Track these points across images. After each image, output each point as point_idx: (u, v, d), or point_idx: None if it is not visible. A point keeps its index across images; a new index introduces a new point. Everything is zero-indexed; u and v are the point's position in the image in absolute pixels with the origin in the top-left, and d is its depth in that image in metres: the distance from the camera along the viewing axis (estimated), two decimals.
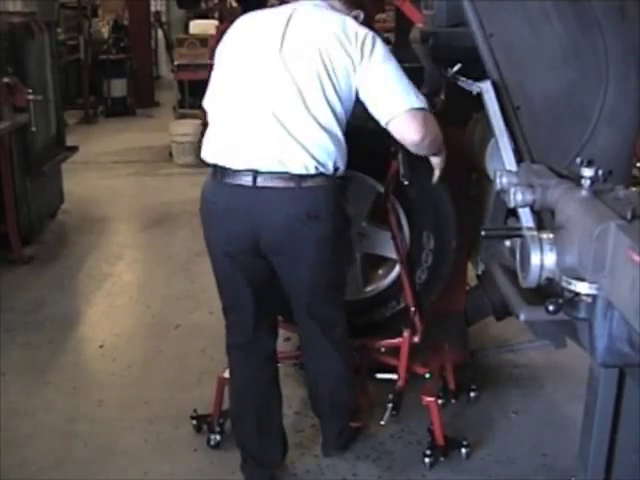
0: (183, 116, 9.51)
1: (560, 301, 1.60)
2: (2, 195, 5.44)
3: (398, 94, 2.65)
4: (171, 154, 8.47)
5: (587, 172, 1.71)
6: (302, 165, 2.60)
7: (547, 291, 1.75)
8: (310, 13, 2.77)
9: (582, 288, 1.61)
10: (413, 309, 3.25)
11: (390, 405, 3.15)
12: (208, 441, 3.30)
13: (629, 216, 1.55)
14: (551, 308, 1.59)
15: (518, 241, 1.79)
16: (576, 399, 2.20)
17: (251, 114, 2.67)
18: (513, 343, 3.98)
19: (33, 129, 5.55)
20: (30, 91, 5.37)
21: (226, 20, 11.01)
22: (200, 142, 2.94)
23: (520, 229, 1.96)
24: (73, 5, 11.49)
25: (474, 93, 2.78)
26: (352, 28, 2.69)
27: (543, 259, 1.66)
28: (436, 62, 3.52)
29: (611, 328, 1.60)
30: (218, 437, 3.30)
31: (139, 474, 3.16)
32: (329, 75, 2.62)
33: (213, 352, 3.99)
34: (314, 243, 2.69)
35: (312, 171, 2.61)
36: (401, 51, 6.25)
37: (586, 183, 1.71)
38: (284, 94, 2.64)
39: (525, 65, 2.82)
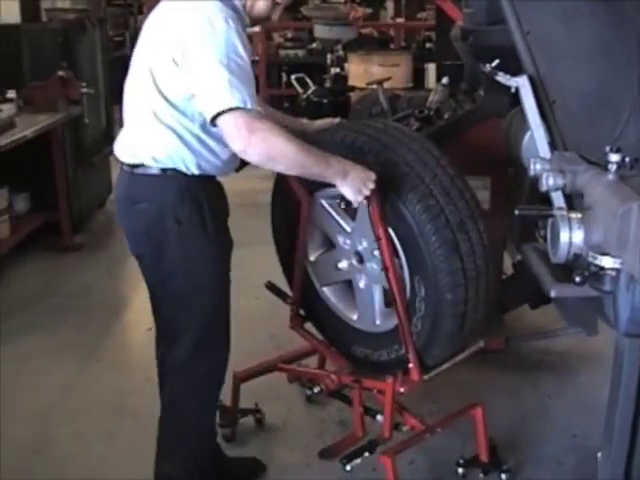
0: None
1: (586, 273, 1.74)
2: (55, 185, 5.63)
3: (218, 91, 2.38)
4: None
5: (614, 158, 1.85)
6: (127, 155, 2.63)
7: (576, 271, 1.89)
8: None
9: (607, 262, 1.75)
10: (406, 353, 2.88)
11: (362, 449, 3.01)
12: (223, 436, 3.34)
13: None
14: (578, 279, 1.73)
15: (549, 222, 1.93)
16: (608, 386, 2.31)
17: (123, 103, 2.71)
18: (547, 330, 4.09)
19: (86, 121, 5.77)
20: (83, 84, 5.60)
21: None
22: None
23: (551, 210, 2.09)
24: (119, 3, 11.75)
25: (512, 88, 2.92)
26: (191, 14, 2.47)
27: (572, 236, 1.80)
28: (476, 59, 3.66)
29: (633, 300, 1.74)
30: (229, 431, 3.38)
31: None
32: (158, 89, 2.51)
33: (258, 335, 4.17)
34: (134, 231, 2.69)
35: (135, 161, 2.60)
36: (442, 49, 6.44)
37: (613, 168, 1.85)
38: (131, 90, 2.65)
39: (560, 61, 2.94)
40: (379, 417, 3.08)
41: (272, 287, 3.40)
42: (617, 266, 1.73)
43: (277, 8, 2.66)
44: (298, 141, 2.47)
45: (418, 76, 7.87)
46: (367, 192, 2.54)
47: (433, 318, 2.82)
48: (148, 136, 2.58)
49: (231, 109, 2.36)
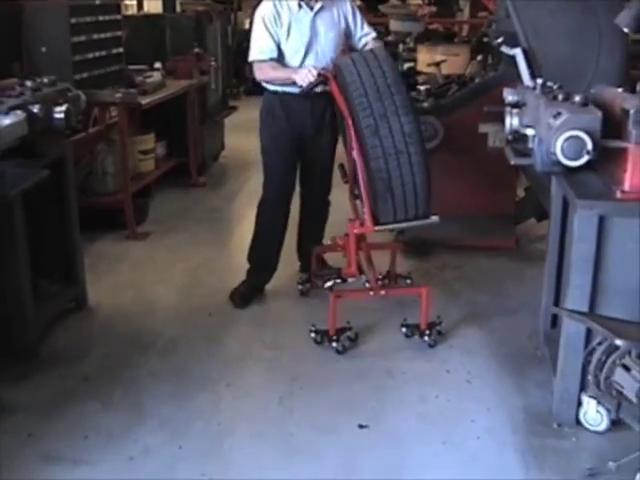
0: None
1: (517, 136, 3.37)
2: (186, 136, 7.30)
3: (251, 49, 4.51)
4: None
5: (538, 81, 3.48)
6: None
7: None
8: None
9: (529, 132, 3.38)
10: (363, 207, 4.08)
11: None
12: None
13: (551, 99, 3.31)
14: (510, 138, 3.37)
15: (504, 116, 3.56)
16: None
17: None
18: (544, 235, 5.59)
19: (212, 87, 7.50)
20: (212, 59, 7.33)
21: None
22: None
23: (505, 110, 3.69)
24: (223, 0, 13.55)
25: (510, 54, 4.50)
26: None
27: (512, 120, 3.44)
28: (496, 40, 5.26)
29: (542, 151, 3.34)
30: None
31: None
32: None
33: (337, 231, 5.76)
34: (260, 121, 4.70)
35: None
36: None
37: (537, 87, 3.47)
38: None
39: (546, 39, 4.47)
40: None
41: (341, 168, 4.72)
42: (534, 133, 3.36)
43: None
44: (278, 71, 4.45)
45: None
46: (311, 79, 4.20)
47: (370, 181, 3.94)
48: None
49: (253, 60, 4.51)
